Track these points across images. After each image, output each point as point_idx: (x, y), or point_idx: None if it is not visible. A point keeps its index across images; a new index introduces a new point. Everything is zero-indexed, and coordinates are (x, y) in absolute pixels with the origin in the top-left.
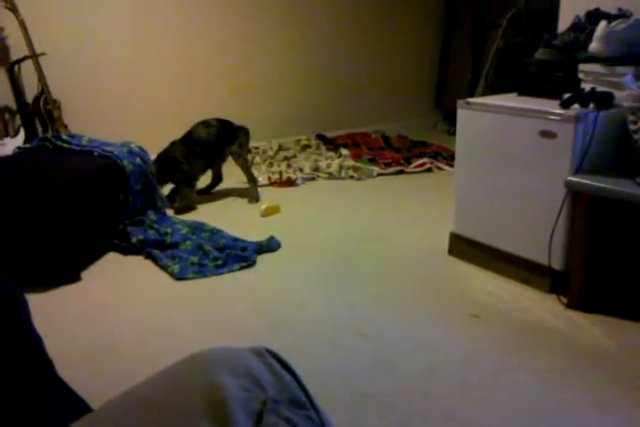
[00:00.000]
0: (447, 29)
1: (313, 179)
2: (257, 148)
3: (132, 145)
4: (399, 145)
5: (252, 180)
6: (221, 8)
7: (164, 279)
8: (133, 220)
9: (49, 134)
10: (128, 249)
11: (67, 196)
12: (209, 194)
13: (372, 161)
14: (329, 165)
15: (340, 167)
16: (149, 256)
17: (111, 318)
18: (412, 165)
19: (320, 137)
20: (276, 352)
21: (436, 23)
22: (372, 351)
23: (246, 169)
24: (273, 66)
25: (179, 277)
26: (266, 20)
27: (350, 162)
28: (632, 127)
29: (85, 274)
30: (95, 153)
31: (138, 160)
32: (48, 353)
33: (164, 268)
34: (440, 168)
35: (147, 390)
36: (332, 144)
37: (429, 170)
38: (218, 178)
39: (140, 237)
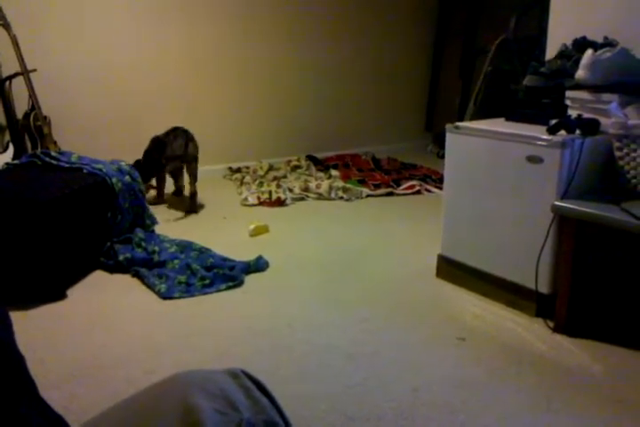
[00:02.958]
0: (437, 54)
1: (302, 199)
2: (247, 167)
3: (122, 163)
4: (389, 167)
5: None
6: (212, 29)
7: (151, 298)
8: (121, 238)
9: (38, 151)
10: (115, 267)
11: (52, 213)
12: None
13: (362, 182)
14: (318, 186)
15: (330, 188)
16: (136, 275)
17: (95, 337)
18: (402, 187)
19: (310, 158)
20: (252, 374)
21: (426, 47)
22: (359, 373)
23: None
24: (265, 87)
25: (165, 297)
26: (259, 41)
27: (340, 183)
28: (618, 154)
29: (71, 292)
30: (84, 170)
31: (127, 178)
32: (30, 372)
33: (150, 286)
34: (429, 191)
35: (123, 413)
36: (322, 165)
37: (418, 192)
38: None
39: (128, 255)
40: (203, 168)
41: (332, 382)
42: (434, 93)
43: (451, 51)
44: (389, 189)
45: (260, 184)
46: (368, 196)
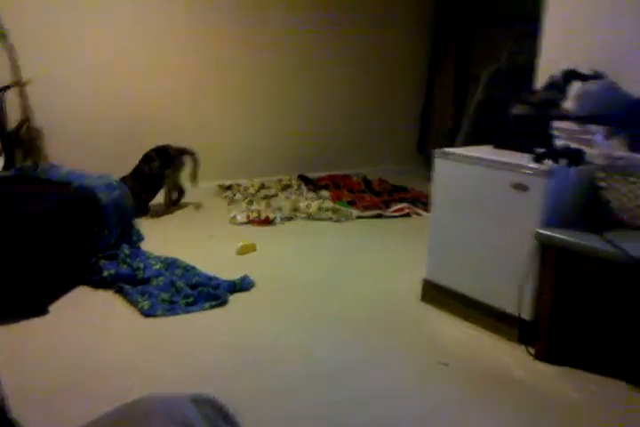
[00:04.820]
0: (431, 78)
1: (292, 219)
2: (239, 185)
3: (112, 178)
4: (380, 189)
5: (167, 201)
6: (208, 44)
7: (133, 315)
8: (107, 253)
9: (28, 164)
10: (99, 283)
11: (37, 227)
12: (176, 206)
13: (352, 204)
14: (308, 206)
15: (319, 208)
16: (120, 291)
17: (75, 354)
18: (391, 210)
19: (302, 177)
20: (217, 401)
21: (421, 72)
22: (340, 396)
23: (168, 191)
24: (260, 105)
25: (148, 314)
26: (256, 61)
27: (329, 204)
28: (602, 185)
29: (54, 307)
30: (72, 185)
31: (116, 194)
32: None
33: (133, 303)
34: (418, 214)
35: None
36: (314, 185)
37: (407, 215)
38: (180, 192)
39: (112, 271)
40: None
41: (311, 406)
42: (427, 117)
43: (445, 76)
44: (379, 211)
45: (250, 203)
46: (357, 217)
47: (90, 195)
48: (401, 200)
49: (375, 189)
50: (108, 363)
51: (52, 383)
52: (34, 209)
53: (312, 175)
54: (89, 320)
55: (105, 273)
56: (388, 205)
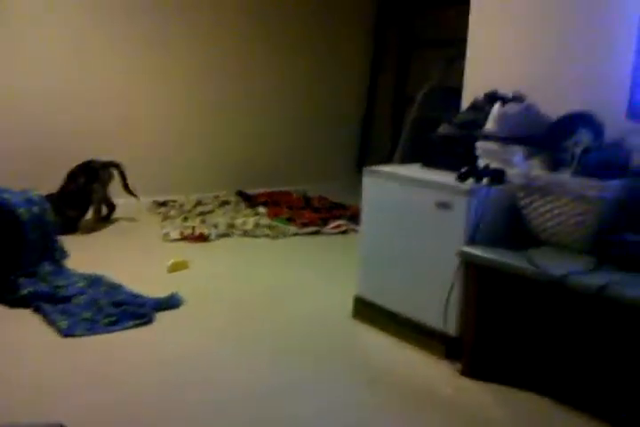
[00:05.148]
0: (370, 96)
1: (228, 235)
2: (174, 201)
3: (32, 193)
4: (319, 205)
5: (96, 212)
6: (135, 54)
7: (52, 336)
8: (26, 271)
9: None
10: (17, 302)
11: None
12: (108, 221)
13: (290, 220)
14: (245, 223)
15: (256, 225)
16: (38, 310)
17: None
18: (329, 226)
19: (240, 194)
20: None
21: (361, 90)
22: (262, 420)
23: (97, 203)
24: (196, 119)
25: (66, 334)
26: (187, 73)
27: (267, 220)
28: (522, 203)
29: None
30: None
31: (36, 209)
32: None
33: (52, 323)
34: (356, 231)
35: None
36: (252, 201)
37: (345, 232)
38: (110, 208)
39: (31, 288)
40: (126, 200)
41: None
42: (367, 134)
43: (384, 94)
44: (316, 228)
45: (185, 219)
46: (294, 234)
47: (8, 210)
48: (339, 217)
49: (315, 205)
50: (20, 386)
51: None
52: None
53: (251, 192)
54: (2, 341)
55: (24, 291)
56: (326, 222)
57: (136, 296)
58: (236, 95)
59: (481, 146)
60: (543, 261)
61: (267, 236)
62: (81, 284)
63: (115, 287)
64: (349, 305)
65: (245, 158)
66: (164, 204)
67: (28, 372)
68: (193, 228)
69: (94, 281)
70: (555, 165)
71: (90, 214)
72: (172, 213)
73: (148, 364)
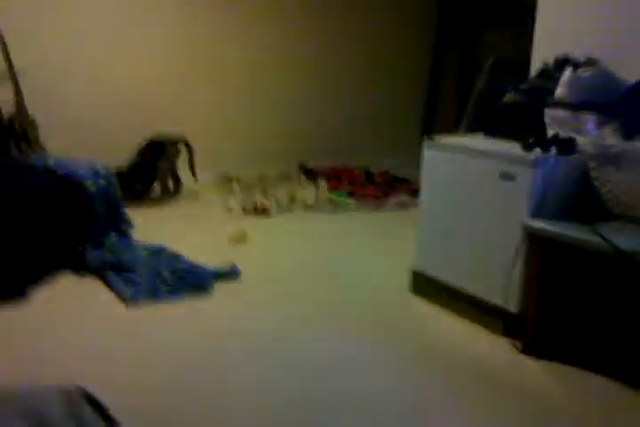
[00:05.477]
0: (435, 67)
1: (288, 209)
2: (238, 176)
3: (99, 166)
4: (381, 181)
5: (162, 186)
6: (207, 33)
7: (113, 304)
8: (94, 241)
9: (16, 153)
10: (85, 271)
11: (18, 211)
12: (175, 195)
13: (351, 195)
14: (305, 197)
15: (317, 199)
16: (104, 279)
17: (48, 343)
18: (390, 201)
19: (302, 168)
20: (88, 392)
21: (426, 60)
22: (314, 395)
23: (162, 177)
24: (262, 96)
25: (130, 301)
26: (254, 58)
27: (327, 195)
28: (593, 174)
29: (35, 293)
30: (58, 173)
31: (103, 182)
32: None
33: (116, 291)
34: (417, 205)
35: None
36: (313, 176)
37: (407, 207)
38: (178, 182)
39: (98, 259)
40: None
41: (272, 400)
42: (432, 108)
43: (450, 64)
44: (377, 203)
45: (248, 193)
46: (355, 209)
47: (76, 182)
48: (401, 192)
49: (376, 181)
50: (74, 353)
51: (15, 368)
52: (18, 195)
53: (313, 167)
54: (67, 307)
55: (91, 261)
56: (387, 196)
57: (196, 266)
58: (301, 72)
59: (550, 114)
60: (613, 235)
61: (327, 210)
62: (144, 254)
63: (176, 257)
64: (407, 279)
65: (309, 133)
66: (228, 178)
67: (86, 340)
68: (255, 201)
69: (157, 251)
70: (630, 133)
71: (157, 188)
72: (236, 186)
73: (200, 333)
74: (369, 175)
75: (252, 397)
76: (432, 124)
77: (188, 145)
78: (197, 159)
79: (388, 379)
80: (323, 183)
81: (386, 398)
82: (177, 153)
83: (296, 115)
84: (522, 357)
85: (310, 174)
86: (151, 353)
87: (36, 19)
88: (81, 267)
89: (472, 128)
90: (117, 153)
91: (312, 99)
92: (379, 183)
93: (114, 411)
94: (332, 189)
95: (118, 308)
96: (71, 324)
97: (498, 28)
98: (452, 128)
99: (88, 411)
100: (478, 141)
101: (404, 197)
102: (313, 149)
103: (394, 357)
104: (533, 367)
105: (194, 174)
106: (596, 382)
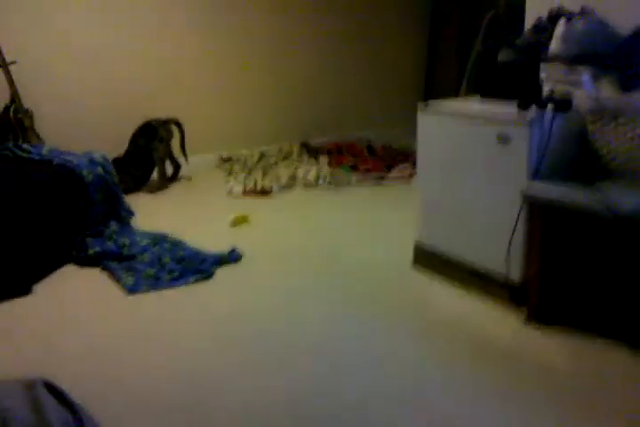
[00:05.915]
0: (434, 32)
1: (290, 187)
2: (239, 156)
3: (95, 155)
4: (383, 153)
5: (160, 171)
6: (207, 21)
7: (116, 293)
8: (94, 230)
9: (10, 143)
10: (86, 261)
11: (16, 206)
12: (176, 180)
13: (354, 168)
14: (307, 173)
15: (318, 176)
16: (105, 268)
17: (54, 335)
18: (393, 172)
19: (304, 145)
20: (53, 384)
21: (422, 26)
22: (324, 367)
23: (159, 161)
24: (259, 75)
25: (131, 290)
26: (254, 31)
27: (328, 170)
28: (590, 128)
29: (38, 286)
30: (54, 162)
31: (99, 170)
32: None
33: (118, 280)
34: None
35: None
36: (315, 152)
37: (410, 176)
38: (176, 166)
39: (98, 248)
40: (194, 157)
41: (281, 375)
42: (431, 76)
43: (448, 28)
44: (380, 174)
45: (249, 173)
46: (357, 182)
47: (72, 172)
48: (403, 164)
49: (379, 154)
50: (80, 345)
51: (21, 366)
52: (13, 187)
53: (315, 143)
54: (71, 299)
55: (91, 251)
56: (390, 168)
57: (197, 252)
58: (296, 47)
59: (545, 69)
60: (613, 195)
61: (329, 185)
62: (145, 242)
63: (177, 244)
64: (410, 253)
65: (308, 108)
66: (229, 159)
67: (92, 329)
68: (255, 182)
69: (158, 239)
70: (628, 85)
71: (155, 173)
72: (237, 167)
73: (206, 317)
74: (370, 149)
75: (261, 372)
76: (433, 91)
77: (178, 125)
78: (189, 140)
79: (389, 350)
80: (324, 159)
81: (387, 369)
82: (169, 134)
83: (295, 92)
84: (527, 326)
85: (312, 151)
86: (158, 341)
87: (31, 12)
88: (82, 256)
89: (471, 91)
90: (113, 144)
91: (312, 74)
92: (381, 156)
93: (117, 403)
94: (335, 163)
95: (121, 297)
96: (75, 315)
97: None
98: (454, 94)
99: (51, 403)
100: (473, 104)
101: (406, 170)
102: (314, 125)
103: (396, 328)
104: (539, 336)
105: (185, 155)
106: (599, 345)
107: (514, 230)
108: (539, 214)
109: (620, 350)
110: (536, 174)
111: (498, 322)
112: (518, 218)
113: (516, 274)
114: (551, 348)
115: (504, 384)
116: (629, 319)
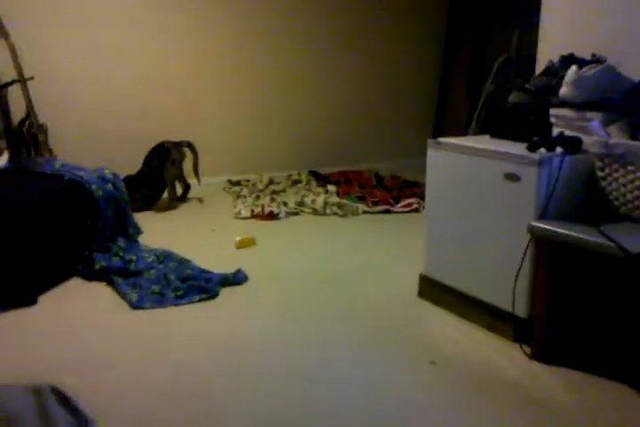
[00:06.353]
0: (445, 71)
1: (297, 213)
2: (247, 180)
3: (106, 171)
4: (391, 184)
5: (171, 191)
6: (217, 42)
7: (121, 308)
8: (100, 246)
9: (23, 157)
10: (91, 275)
11: (27, 218)
12: (184, 200)
13: (362, 199)
14: (314, 201)
15: (325, 203)
16: (111, 283)
17: (54, 346)
18: (400, 205)
19: (312, 173)
20: (60, 390)
21: (435, 64)
22: (321, 394)
23: (170, 182)
24: (270, 101)
25: (136, 306)
26: (265, 57)
27: (336, 198)
28: (599, 174)
29: (44, 298)
30: (65, 177)
31: (109, 186)
32: None
33: (122, 295)
34: None
35: None
36: (324, 180)
37: (417, 210)
38: (186, 186)
39: (104, 263)
40: (202, 180)
41: (286, 408)
42: (441, 111)
43: (459, 68)
44: (387, 207)
45: (257, 198)
46: (364, 212)
47: (82, 187)
48: (412, 195)
49: (387, 184)
50: (82, 357)
51: (23, 371)
52: (25, 200)
53: (323, 171)
54: (76, 312)
55: (97, 265)
56: (397, 200)
57: (203, 271)
58: (309, 76)
59: (555, 113)
60: (621, 237)
61: (336, 214)
62: (152, 259)
63: (183, 262)
64: (416, 284)
65: (318, 137)
66: (237, 183)
67: (96, 343)
68: (263, 206)
69: (165, 256)
70: (636, 131)
71: (166, 194)
72: (245, 191)
73: (207, 338)
74: (379, 179)
75: (257, 395)
76: (442, 127)
77: (191, 147)
78: (201, 163)
79: (392, 381)
80: (332, 188)
81: (390, 400)
82: (182, 156)
83: (307, 121)
84: (531, 362)
85: (321, 179)
86: (158, 358)
87: (47, 26)
88: (87, 271)
89: (481, 131)
90: (126, 163)
91: (325, 104)
92: (389, 187)
93: (115, 418)
94: (343, 193)
95: (124, 312)
96: (77, 329)
97: (510, 24)
98: (462, 132)
99: (57, 408)
100: (483, 142)
101: (414, 201)
102: (323, 154)
103: (399, 360)
104: (543, 373)
105: (197, 177)
106: (606, 388)
107: (519, 267)
108: (546, 252)
109: (623, 390)
110: (544, 212)
111: (502, 357)
112: (525, 255)
113: (521, 309)
114: (555, 385)
115: (506, 419)
116: (635, 362)
